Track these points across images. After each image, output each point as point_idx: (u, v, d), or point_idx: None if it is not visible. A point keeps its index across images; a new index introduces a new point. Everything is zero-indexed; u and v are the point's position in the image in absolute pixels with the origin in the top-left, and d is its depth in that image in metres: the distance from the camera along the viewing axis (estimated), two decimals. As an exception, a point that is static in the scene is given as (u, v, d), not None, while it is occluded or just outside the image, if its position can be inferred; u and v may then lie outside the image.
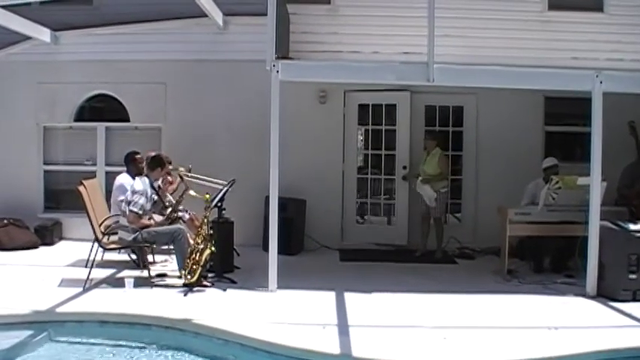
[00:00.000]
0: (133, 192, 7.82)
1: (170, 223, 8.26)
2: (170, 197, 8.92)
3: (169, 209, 8.47)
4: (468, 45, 8.57)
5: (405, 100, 10.57)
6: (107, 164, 10.91)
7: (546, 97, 10.33)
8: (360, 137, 10.98)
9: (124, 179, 8.77)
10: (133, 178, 8.38)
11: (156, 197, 8.26)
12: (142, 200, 7.84)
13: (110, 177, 10.17)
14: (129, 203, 7.81)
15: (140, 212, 7.82)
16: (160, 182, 8.64)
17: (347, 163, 10.79)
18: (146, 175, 8.14)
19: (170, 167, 8.89)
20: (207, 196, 7.98)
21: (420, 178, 9.68)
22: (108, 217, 8.39)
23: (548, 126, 10.59)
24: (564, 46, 8.77)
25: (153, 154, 8.40)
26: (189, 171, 8.91)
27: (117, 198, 8.48)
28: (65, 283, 7.88)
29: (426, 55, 7.51)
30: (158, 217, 8.34)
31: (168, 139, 10.69)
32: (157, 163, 8.22)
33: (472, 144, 10.65)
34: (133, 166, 8.86)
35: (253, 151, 9.96)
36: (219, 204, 8.33)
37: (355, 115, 10.77)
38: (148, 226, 7.93)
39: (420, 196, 9.78)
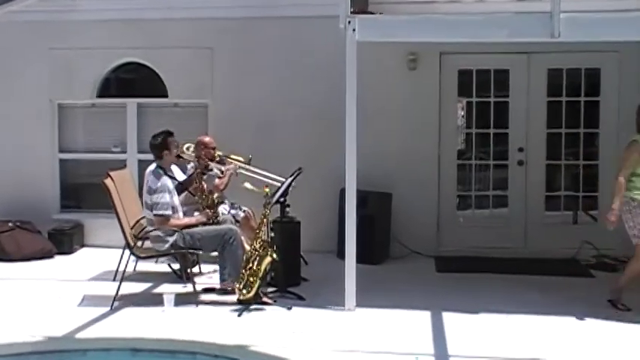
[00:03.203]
0: (150, 191, 8.01)
1: (215, 222, 8.44)
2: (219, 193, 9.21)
3: (205, 203, 8.64)
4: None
5: (521, 63, 10.56)
6: (140, 151, 11.04)
7: None
8: (462, 112, 10.95)
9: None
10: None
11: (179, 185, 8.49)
12: (166, 198, 7.98)
13: (144, 166, 9.96)
14: (151, 208, 8.00)
15: (168, 213, 7.98)
16: (191, 166, 9.00)
17: (444, 145, 10.80)
18: (159, 167, 8.27)
19: (217, 154, 9.30)
20: (267, 189, 8.08)
21: None
22: (143, 217, 8.46)
23: None
24: None
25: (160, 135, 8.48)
26: (249, 162, 9.24)
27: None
28: (87, 301, 8.01)
29: (549, 3, 7.33)
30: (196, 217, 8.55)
31: (216, 119, 10.85)
32: (159, 146, 8.28)
33: (612, 118, 10.43)
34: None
35: (324, 133, 10.20)
36: (281, 199, 8.49)
37: (454, 83, 10.76)
38: (187, 225, 8.09)
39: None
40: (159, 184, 7.95)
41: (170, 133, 8.38)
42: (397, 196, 10.48)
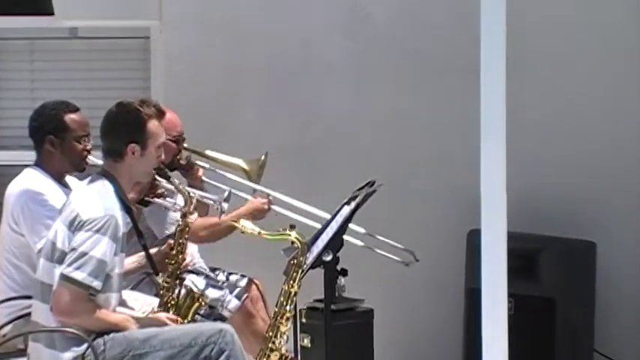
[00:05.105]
0: (74, 225, 5.38)
1: (184, 313, 5.86)
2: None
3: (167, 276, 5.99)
4: None
5: None
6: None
7: None
8: None
9: (29, 184, 6.03)
10: (60, 182, 6.01)
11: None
12: (106, 249, 5.42)
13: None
14: (60, 260, 5.33)
15: (97, 284, 5.40)
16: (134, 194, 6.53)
17: None
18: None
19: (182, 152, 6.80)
20: (294, 233, 5.81)
21: None
22: (23, 298, 5.95)
23: None
24: None
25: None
26: (258, 171, 6.87)
27: (14, 242, 5.86)
28: None
29: None
30: (142, 298, 6.09)
31: (172, 68, 8.20)
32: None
33: None
34: (59, 148, 6.22)
35: (427, 103, 7.77)
36: (328, 256, 6.00)
37: None
38: (118, 326, 5.46)
39: None
40: (102, 212, 5.46)
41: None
42: (609, 250, 7.43)
